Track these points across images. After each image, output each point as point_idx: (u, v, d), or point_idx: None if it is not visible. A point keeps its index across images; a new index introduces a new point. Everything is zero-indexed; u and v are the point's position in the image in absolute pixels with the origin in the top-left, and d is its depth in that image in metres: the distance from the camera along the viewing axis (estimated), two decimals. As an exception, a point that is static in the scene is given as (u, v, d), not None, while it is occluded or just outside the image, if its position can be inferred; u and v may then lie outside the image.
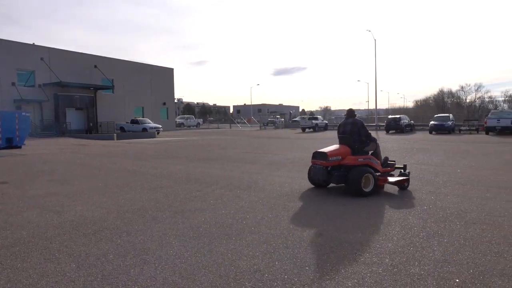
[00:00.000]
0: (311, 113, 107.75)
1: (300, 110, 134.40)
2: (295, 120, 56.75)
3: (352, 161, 6.69)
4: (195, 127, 60.89)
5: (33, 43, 34.03)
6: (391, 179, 6.98)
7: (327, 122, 45.97)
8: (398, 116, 34.44)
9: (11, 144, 18.18)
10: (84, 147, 19.76)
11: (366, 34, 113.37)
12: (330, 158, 6.69)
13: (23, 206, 6.05)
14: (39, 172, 10.06)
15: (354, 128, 7.20)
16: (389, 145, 18.25)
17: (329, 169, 6.85)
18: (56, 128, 32.85)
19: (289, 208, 5.73)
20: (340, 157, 6.74)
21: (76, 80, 35.24)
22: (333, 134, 32.30)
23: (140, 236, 4.45)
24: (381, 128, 37.58)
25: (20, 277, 3.32)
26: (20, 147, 18.39)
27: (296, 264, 3.55)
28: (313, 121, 40.70)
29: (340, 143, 7.22)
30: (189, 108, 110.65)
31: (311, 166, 7.31)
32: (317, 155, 6.94)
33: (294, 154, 14.53)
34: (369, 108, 70.99)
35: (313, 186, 7.42)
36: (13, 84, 31.18)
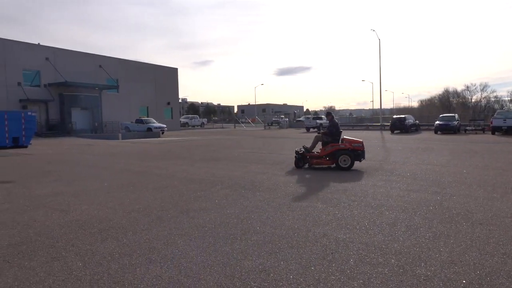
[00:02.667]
0: (315, 113, 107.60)
1: (304, 110, 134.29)
2: (300, 120, 56.67)
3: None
4: (199, 127, 61.01)
5: (39, 43, 34.25)
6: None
7: (331, 122, 45.78)
8: (403, 116, 34.30)
9: (17, 143, 18.31)
10: (90, 146, 19.85)
11: (371, 34, 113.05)
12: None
13: (29, 205, 6.10)
14: (45, 172, 10.12)
15: None
16: (393, 145, 18.18)
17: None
18: (61, 127, 33.05)
19: (294, 208, 5.72)
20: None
21: (81, 80, 35.42)
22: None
23: (146, 235, 4.47)
24: (386, 128, 37.45)
25: (27, 275, 3.34)
26: (26, 146, 18.51)
27: (302, 264, 3.55)
28: (317, 121, 40.68)
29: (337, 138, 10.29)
30: (193, 108, 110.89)
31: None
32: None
33: (298, 154, 14.48)
34: (374, 108, 70.81)
35: (318, 186, 7.42)
36: (19, 84, 31.41)
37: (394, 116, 35.94)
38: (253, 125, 63.98)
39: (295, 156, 10.39)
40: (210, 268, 3.47)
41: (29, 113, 19.59)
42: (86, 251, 3.93)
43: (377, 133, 31.66)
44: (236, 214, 5.39)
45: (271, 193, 6.89)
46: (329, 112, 11.88)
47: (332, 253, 3.82)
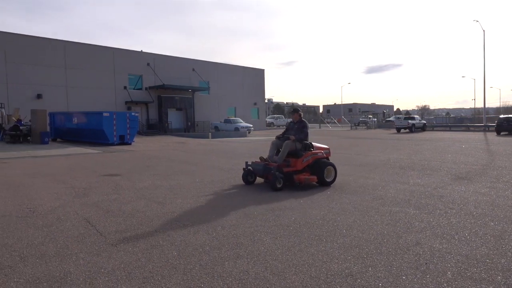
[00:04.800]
0: (407, 112, 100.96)
1: (395, 109, 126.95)
2: (389, 120, 53.75)
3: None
4: (284, 126, 61.47)
5: (141, 50, 37.81)
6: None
7: (425, 122, 42.65)
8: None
9: (123, 141, 20.52)
10: (183, 144, 21.32)
11: (473, 25, 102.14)
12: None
13: (133, 197, 6.77)
14: (145, 167, 11.15)
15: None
16: (500, 148, 16.21)
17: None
18: (159, 127, 36.08)
19: (383, 213, 5.45)
20: None
21: (177, 82, 38.21)
22: (432, 135, 29.93)
23: (233, 230, 4.65)
24: (490, 129, 33.58)
25: (131, 260, 3.72)
26: (130, 144, 20.63)
27: (392, 272, 3.36)
28: (409, 121, 38.03)
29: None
30: (278, 108, 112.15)
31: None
32: None
33: (388, 155, 13.77)
34: (476, 106, 63.92)
35: (409, 191, 6.96)
36: (125, 87, 35.10)
37: (501, 116, 32.06)
38: (339, 125, 62.43)
39: (244, 169, 7.99)
40: (295, 268, 3.48)
41: (133, 114, 21.81)
42: (180, 242, 4.23)
43: (479, 135, 28.56)
44: (321, 215, 5.32)
45: (358, 196, 6.66)
46: (297, 109, 8.41)
47: (426, 263, 3.56)
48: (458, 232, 4.51)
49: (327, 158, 8.14)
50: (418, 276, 3.28)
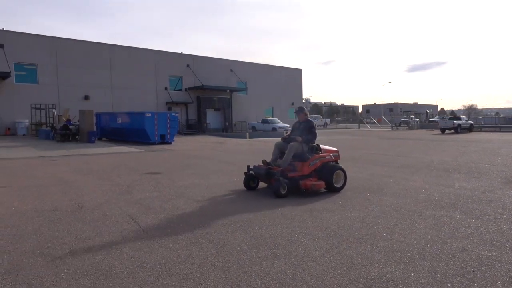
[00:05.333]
0: (452, 112, 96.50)
1: (439, 109, 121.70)
2: (433, 120, 51.59)
3: None
4: (322, 127, 60.70)
5: (181, 52, 38.80)
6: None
7: (472, 122, 40.53)
8: None
9: (163, 140, 21.14)
10: (221, 144, 21.63)
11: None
12: None
13: (173, 194, 6.96)
14: (184, 165, 11.42)
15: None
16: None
17: None
18: (198, 126, 36.87)
19: (426, 217, 5.24)
20: None
21: (215, 83, 38.87)
22: (480, 136, 28.40)
23: (271, 230, 4.66)
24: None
25: (171, 256, 3.82)
26: (170, 143, 21.21)
27: (436, 279, 3.23)
28: (454, 121, 36.27)
29: None
30: (316, 108, 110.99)
31: None
32: None
33: (431, 157, 13.22)
34: (530, 106, 59.76)
35: (454, 194, 6.64)
36: (165, 88, 36.19)
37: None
38: (379, 125, 60.72)
39: (245, 173, 7.41)
40: (334, 271, 3.43)
41: (173, 114, 22.42)
42: (218, 240, 4.30)
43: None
44: (360, 218, 5.21)
45: (400, 199, 6.45)
46: (302, 108, 7.96)
47: (473, 271, 3.38)
48: (509, 239, 4.25)
49: (336, 162, 7.59)
50: (464, 284, 3.12)
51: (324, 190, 7.08)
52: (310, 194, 6.85)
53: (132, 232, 4.64)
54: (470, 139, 24.03)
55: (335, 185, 7.07)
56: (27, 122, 28.48)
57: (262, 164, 7.36)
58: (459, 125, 35.19)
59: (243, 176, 7.47)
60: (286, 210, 5.66)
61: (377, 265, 3.54)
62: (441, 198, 6.49)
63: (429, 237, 4.36)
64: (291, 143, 7.13)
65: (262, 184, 7.53)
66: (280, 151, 7.41)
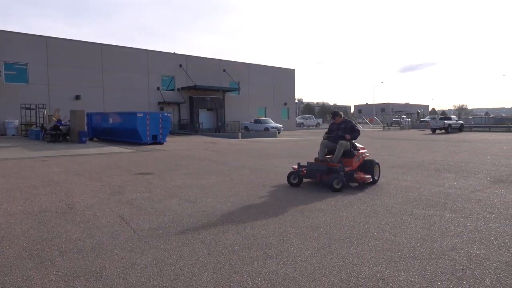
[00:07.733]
0: (443, 112, 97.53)
1: (430, 109, 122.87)
2: (424, 120, 52.10)
3: None
4: (314, 127, 60.95)
5: (174, 52, 38.61)
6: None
7: (462, 122, 41.02)
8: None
9: (155, 140, 21.03)
10: (214, 144, 21.59)
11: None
12: None
13: (165, 195, 6.93)
14: (177, 166, 11.38)
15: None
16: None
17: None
18: (190, 126, 36.72)
19: (417, 216, 5.29)
20: None
21: (208, 83, 38.74)
22: (470, 136, 28.77)
23: (263, 230, 4.66)
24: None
25: (163, 257, 3.80)
26: (162, 143, 21.11)
27: (426, 277, 3.26)
28: (445, 121, 36.66)
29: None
30: (309, 108, 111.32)
31: None
32: None
33: (422, 157, 13.34)
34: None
35: (444, 193, 6.71)
36: (158, 88, 35.98)
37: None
38: (371, 125, 61.12)
39: (295, 169, 7.88)
40: (325, 270, 3.44)
41: (165, 114, 22.31)
42: (210, 241, 4.29)
43: None
44: (352, 217, 5.24)
45: (391, 198, 6.49)
46: (336, 112, 8.55)
47: (462, 269, 3.42)
48: (497, 237, 4.31)
49: None
50: (453, 282, 3.16)
51: (369, 182, 7.70)
52: (302, 192, 6.87)
53: (123, 233, 4.60)
54: (461, 139, 24.29)
55: (375, 178, 7.85)
56: (16, 122, 28.12)
57: (314, 162, 7.89)
58: (450, 125, 35.58)
59: (235, 177, 7.48)
60: (278, 210, 5.67)
61: (368, 264, 3.57)
62: (431, 197, 6.55)
63: (419, 236, 4.40)
64: (341, 141, 7.67)
65: (254, 182, 7.51)
66: (326, 149, 7.96)
